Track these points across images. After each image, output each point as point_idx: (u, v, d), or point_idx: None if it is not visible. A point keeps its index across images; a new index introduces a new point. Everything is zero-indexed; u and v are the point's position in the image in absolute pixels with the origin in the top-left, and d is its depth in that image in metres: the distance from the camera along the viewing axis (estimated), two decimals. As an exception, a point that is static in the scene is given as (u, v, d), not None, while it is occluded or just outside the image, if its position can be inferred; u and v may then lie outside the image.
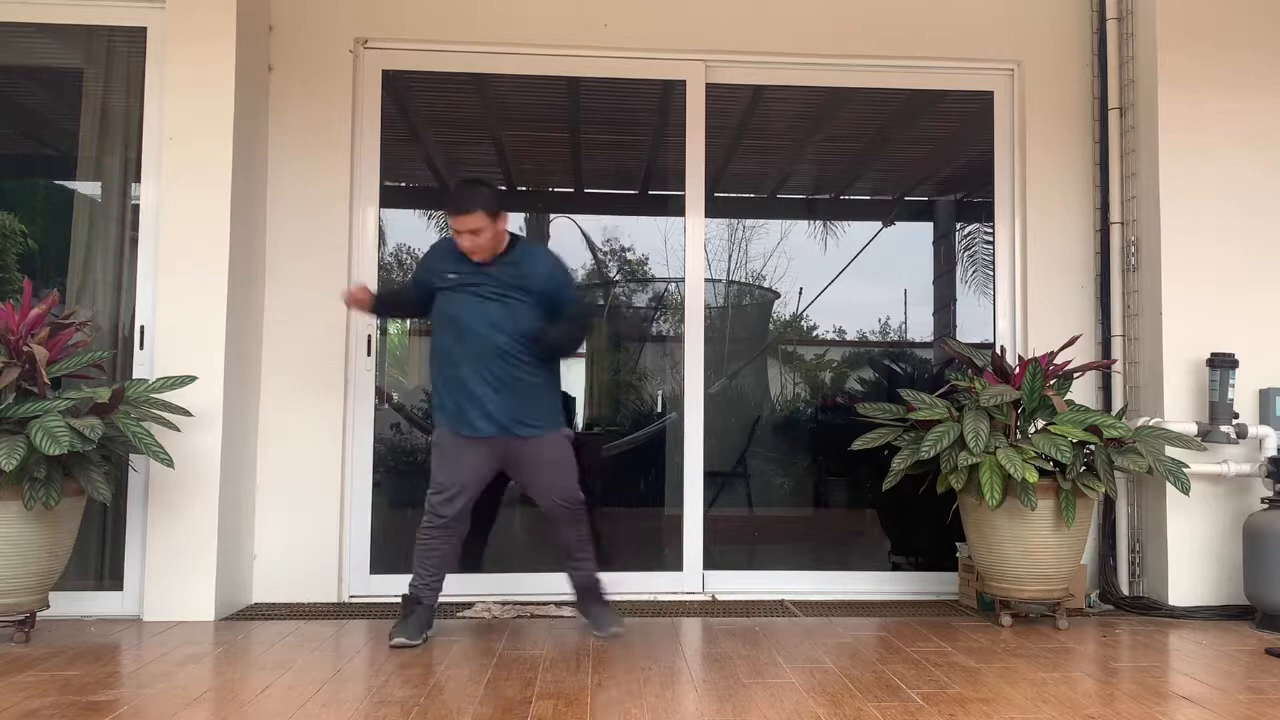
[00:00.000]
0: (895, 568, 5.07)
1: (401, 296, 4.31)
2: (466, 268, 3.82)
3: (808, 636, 3.98)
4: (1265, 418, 4.49)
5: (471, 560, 4.82)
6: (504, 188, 5.32)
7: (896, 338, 5.43)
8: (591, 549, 3.97)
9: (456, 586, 4.67)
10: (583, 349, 4.50)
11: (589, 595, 3.97)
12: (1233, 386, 4.41)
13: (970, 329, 5.23)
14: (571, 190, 5.44)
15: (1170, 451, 4.27)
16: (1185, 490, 4.14)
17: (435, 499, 3.85)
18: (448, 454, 3.85)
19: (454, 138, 5.35)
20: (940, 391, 4.41)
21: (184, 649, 3.69)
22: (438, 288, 3.87)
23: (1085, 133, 5.00)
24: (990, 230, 5.15)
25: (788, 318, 5.42)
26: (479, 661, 3.54)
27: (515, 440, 3.80)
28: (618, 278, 5.32)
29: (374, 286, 4.79)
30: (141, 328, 4.38)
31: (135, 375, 4.33)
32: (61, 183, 4.73)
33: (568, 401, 3.98)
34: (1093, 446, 4.13)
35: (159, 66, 4.43)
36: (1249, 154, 4.63)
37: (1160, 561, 4.55)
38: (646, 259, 5.25)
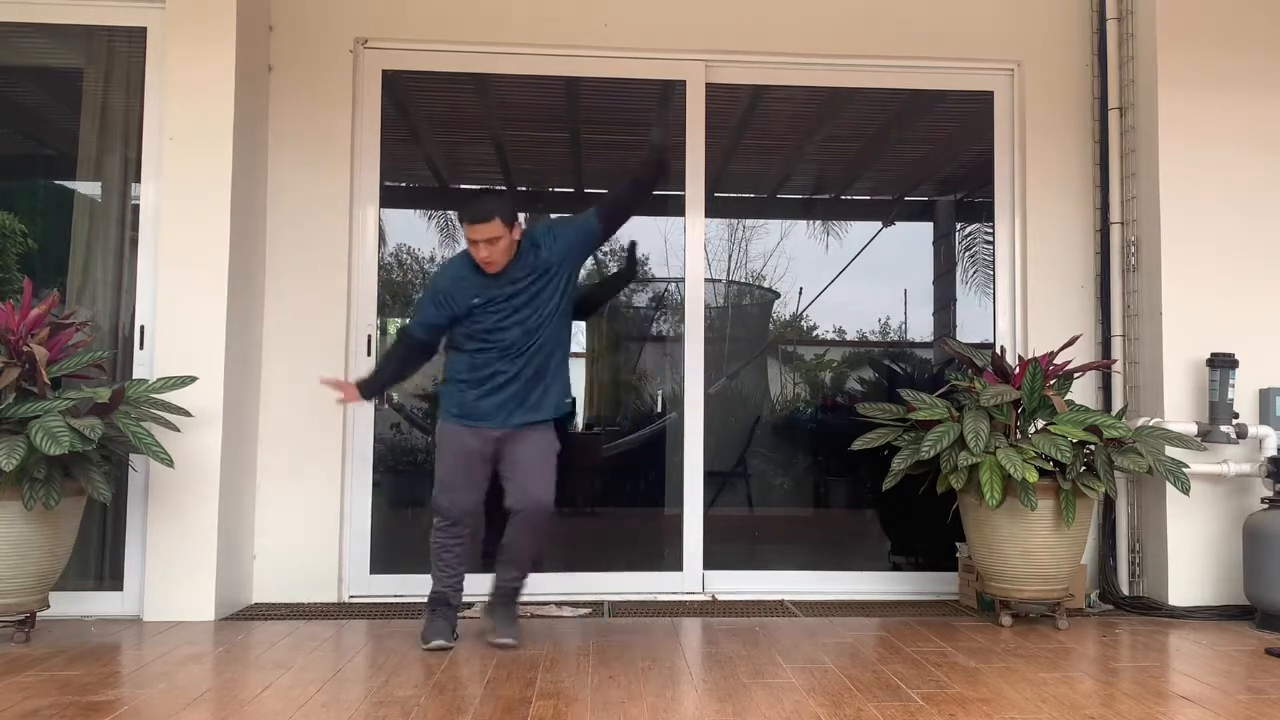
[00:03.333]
0: (895, 568, 5.07)
1: (396, 360, 3.94)
2: (480, 285, 3.70)
3: (808, 636, 3.98)
4: (1265, 418, 4.49)
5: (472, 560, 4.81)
6: (504, 188, 5.32)
7: (896, 338, 5.43)
8: (535, 561, 3.88)
9: (456, 586, 4.68)
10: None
11: (502, 598, 3.87)
12: (1233, 386, 4.41)
13: (970, 329, 5.23)
14: (571, 190, 5.44)
15: (1170, 451, 4.27)
16: (1185, 490, 4.14)
17: (445, 498, 3.80)
18: (452, 450, 3.78)
19: (454, 138, 5.35)
20: (940, 391, 4.41)
21: (184, 649, 3.69)
22: (460, 316, 3.72)
23: (1085, 133, 5.00)
24: (990, 230, 5.15)
25: (788, 318, 5.42)
26: (479, 661, 3.54)
27: (526, 428, 3.73)
28: (618, 277, 5.32)
29: (374, 287, 4.80)
30: (141, 328, 4.38)
31: (135, 375, 4.33)
32: (61, 183, 4.73)
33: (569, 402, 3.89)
34: (1093, 446, 4.13)
35: (159, 66, 4.43)
36: (1249, 154, 4.63)
37: (1160, 561, 4.55)
38: (646, 259, 5.24)
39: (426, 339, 3.85)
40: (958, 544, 4.66)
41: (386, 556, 4.75)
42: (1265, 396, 4.51)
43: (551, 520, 3.78)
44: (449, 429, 3.79)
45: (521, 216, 3.75)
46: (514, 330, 3.70)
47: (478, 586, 4.66)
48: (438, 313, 3.76)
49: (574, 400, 3.85)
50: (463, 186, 5.58)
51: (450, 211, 5.28)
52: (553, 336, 3.76)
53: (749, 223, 5.33)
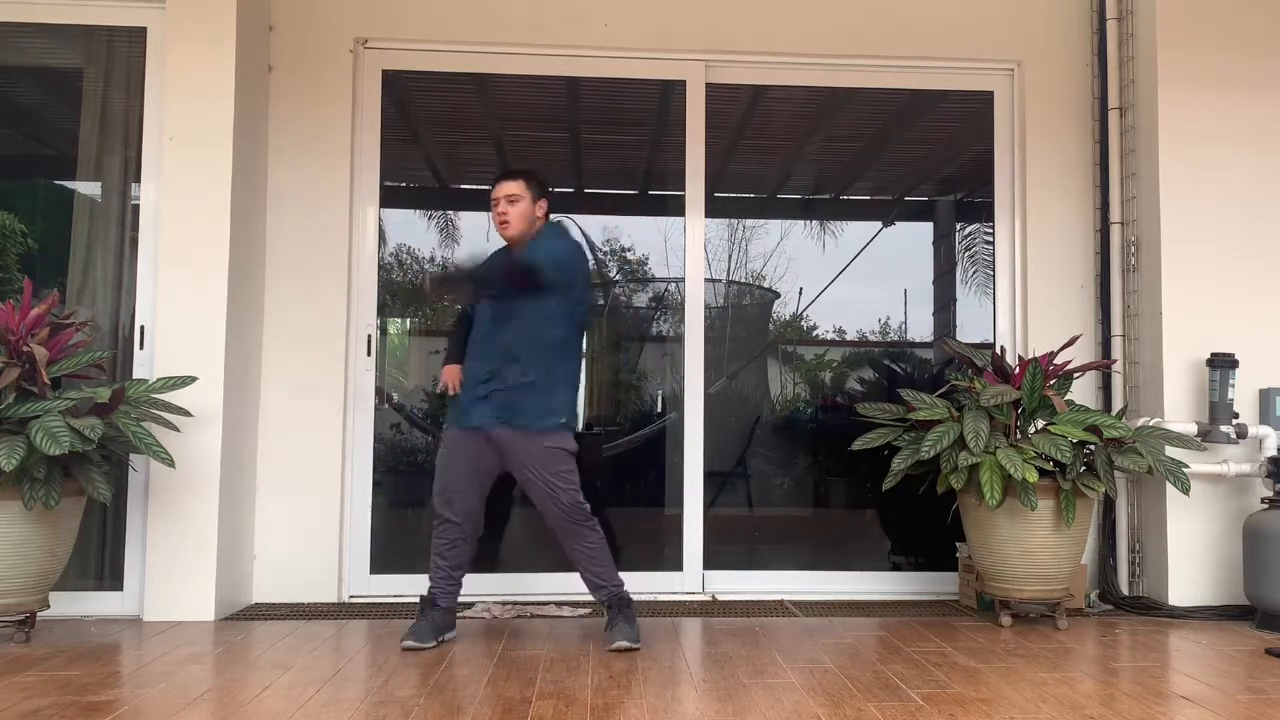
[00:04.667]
0: (895, 568, 5.07)
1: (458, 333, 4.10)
2: (494, 265, 3.81)
3: (808, 636, 3.98)
4: (1265, 418, 4.49)
5: (473, 560, 4.82)
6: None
7: (896, 338, 5.42)
8: (600, 563, 3.78)
9: (456, 586, 4.68)
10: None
11: (611, 609, 3.82)
12: (1233, 386, 4.42)
13: (970, 329, 5.23)
14: (571, 190, 5.43)
15: (1170, 451, 4.28)
16: (1185, 490, 4.14)
17: (437, 499, 3.84)
18: (447, 452, 3.85)
19: (454, 138, 5.35)
20: (940, 391, 4.41)
21: (184, 649, 3.69)
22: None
23: (1085, 133, 5.00)
24: (990, 230, 5.15)
25: (788, 318, 5.41)
26: (479, 661, 3.54)
27: (508, 434, 3.73)
28: (618, 278, 5.32)
29: (374, 287, 4.81)
30: (141, 328, 4.39)
31: (135, 375, 4.33)
32: (61, 183, 4.73)
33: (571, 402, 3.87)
34: (1093, 446, 4.13)
35: (159, 67, 4.43)
36: (1249, 154, 4.64)
37: (1160, 561, 4.55)
38: (646, 259, 5.24)
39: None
40: (958, 544, 4.67)
41: (386, 556, 4.75)
42: (1265, 396, 4.51)
43: (577, 520, 3.72)
44: (448, 433, 3.86)
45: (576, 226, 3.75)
46: (487, 319, 3.79)
47: (472, 586, 4.68)
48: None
49: (567, 422, 3.79)
50: (463, 186, 5.58)
51: (450, 211, 5.28)
52: (538, 344, 3.73)
53: (749, 223, 5.33)
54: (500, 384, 3.73)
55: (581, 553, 3.77)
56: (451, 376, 3.90)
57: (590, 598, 4.58)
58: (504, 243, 3.91)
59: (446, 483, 3.81)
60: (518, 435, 3.73)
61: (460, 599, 4.32)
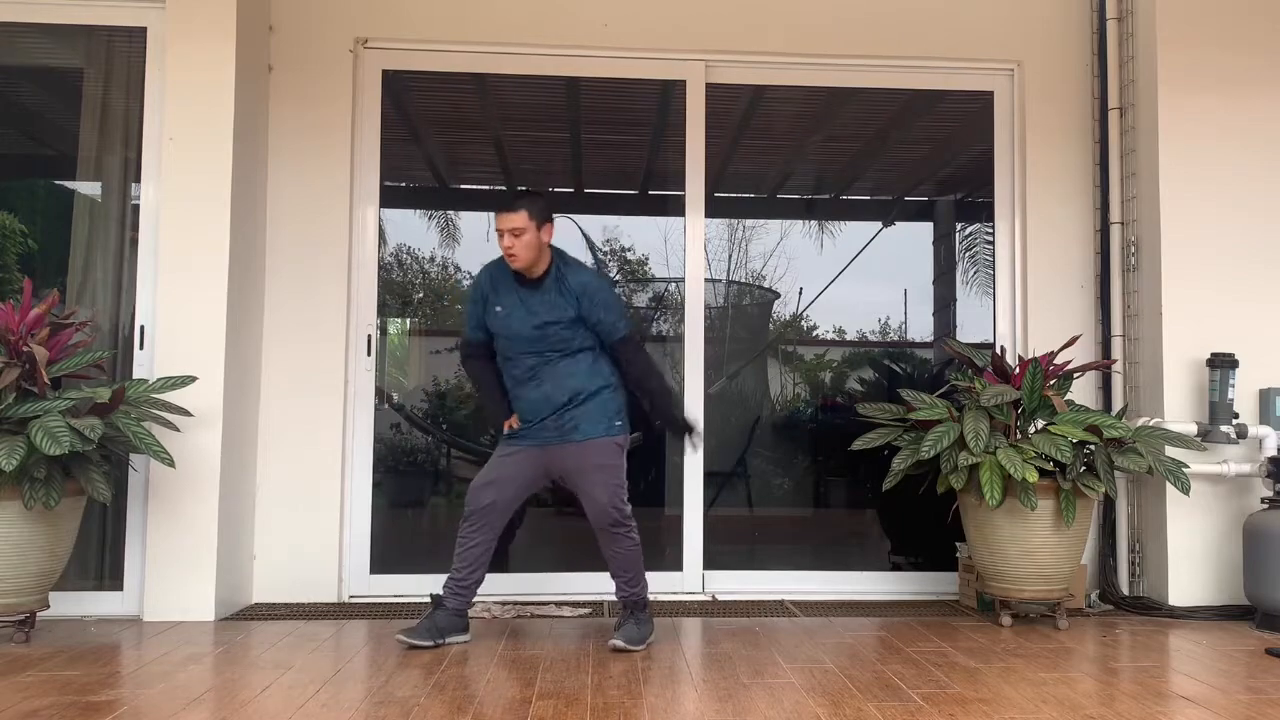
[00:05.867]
0: (895, 568, 5.07)
1: (479, 381, 4.03)
2: (509, 299, 3.80)
3: (808, 636, 3.98)
4: (1265, 418, 4.49)
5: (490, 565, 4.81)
6: (504, 188, 5.32)
7: (896, 338, 5.42)
8: (630, 569, 3.81)
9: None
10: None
11: (624, 609, 3.85)
12: (1233, 386, 4.42)
13: (970, 329, 5.23)
14: (571, 190, 5.44)
15: (1170, 451, 4.28)
16: (1185, 490, 4.14)
17: (471, 491, 3.85)
18: (499, 456, 3.85)
19: (454, 138, 5.35)
20: (940, 391, 4.42)
21: (184, 649, 3.69)
22: (489, 321, 3.87)
23: (1085, 133, 5.00)
24: (990, 230, 5.15)
25: (788, 318, 5.42)
26: (479, 661, 3.54)
27: (567, 446, 3.76)
28: (618, 278, 5.33)
29: (374, 287, 4.80)
30: (141, 328, 4.39)
31: (135, 375, 4.33)
32: (61, 183, 4.73)
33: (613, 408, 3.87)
34: (1093, 446, 4.13)
35: (159, 66, 4.43)
36: (1248, 154, 4.64)
37: (1160, 561, 4.55)
38: (646, 259, 5.24)
39: (481, 338, 3.92)
40: (958, 544, 4.67)
41: (386, 556, 4.75)
42: (1265, 396, 4.51)
43: (623, 527, 3.75)
44: (505, 445, 3.86)
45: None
46: (528, 353, 3.77)
47: (480, 586, 4.68)
48: (475, 308, 3.90)
49: (620, 424, 3.82)
50: (463, 186, 5.58)
51: (450, 211, 5.28)
52: (579, 367, 3.77)
53: (749, 223, 5.33)
54: (564, 412, 3.75)
55: (615, 556, 3.79)
56: (513, 421, 3.88)
57: (590, 598, 4.61)
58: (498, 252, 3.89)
59: (489, 475, 3.82)
60: (575, 444, 3.75)
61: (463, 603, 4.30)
